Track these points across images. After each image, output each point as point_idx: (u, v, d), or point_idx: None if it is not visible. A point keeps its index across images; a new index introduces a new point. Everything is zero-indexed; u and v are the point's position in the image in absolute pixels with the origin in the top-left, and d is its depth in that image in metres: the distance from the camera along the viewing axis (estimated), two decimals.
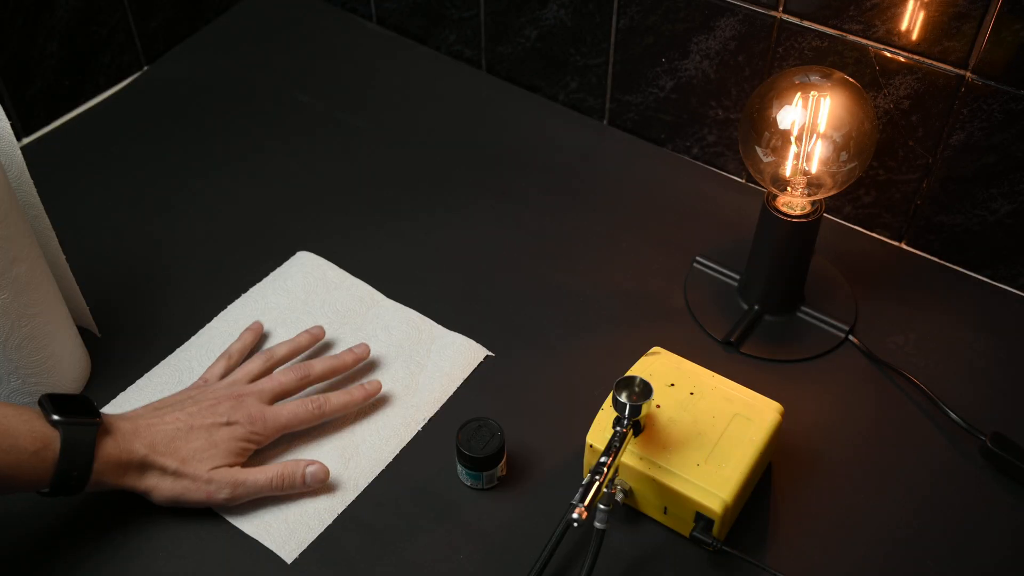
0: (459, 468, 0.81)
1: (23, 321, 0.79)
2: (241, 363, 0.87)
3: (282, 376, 0.84)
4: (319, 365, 0.86)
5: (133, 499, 0.81)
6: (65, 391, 0.85)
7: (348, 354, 0.88)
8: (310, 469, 0.80)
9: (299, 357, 0.89)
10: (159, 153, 1.12)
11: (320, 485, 0.81)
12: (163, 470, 0.76)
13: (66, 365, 0.85)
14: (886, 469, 0.84)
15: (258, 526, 0.79)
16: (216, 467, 0.78)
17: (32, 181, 0.82)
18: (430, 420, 0.87)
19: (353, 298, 0.96)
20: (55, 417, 0.72)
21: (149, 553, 0.78)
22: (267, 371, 0.86)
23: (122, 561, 0.77)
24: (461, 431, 0.81)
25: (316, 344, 0.90)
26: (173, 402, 0.81)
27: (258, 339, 0.91)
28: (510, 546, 0.79)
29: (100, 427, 0.74)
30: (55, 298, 0.84)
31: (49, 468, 0.71)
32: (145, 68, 1.24)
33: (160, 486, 0.77)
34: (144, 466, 0.76)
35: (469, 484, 0.82)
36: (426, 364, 0.90)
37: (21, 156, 0.81)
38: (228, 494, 0.78)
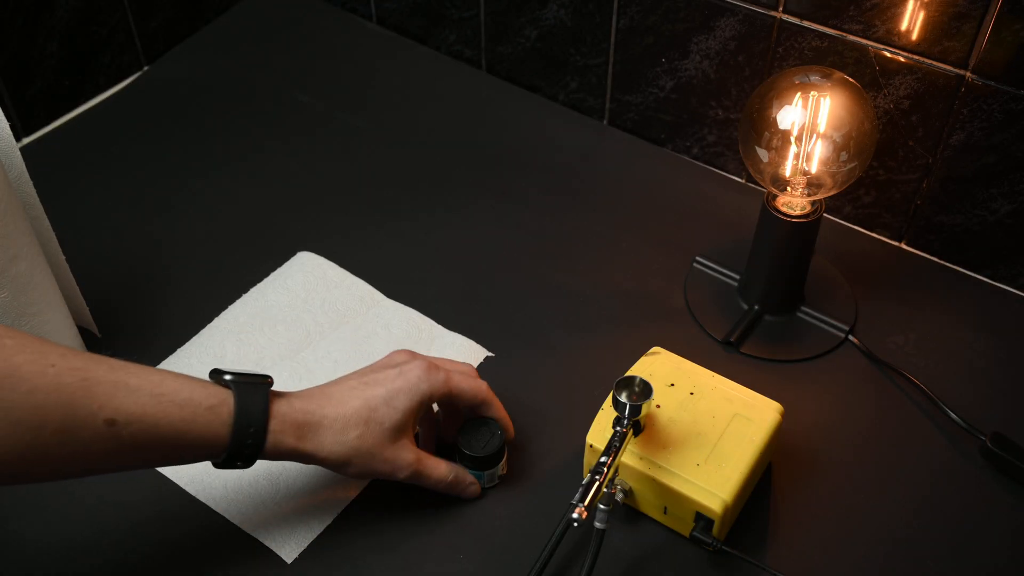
0: None
1: (23, 320, 0.79)
2: None
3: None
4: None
5: (133, 498, 0.81)
6: None
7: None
8: (473, 487, 0.80)
9: None
10: (159, 153, 1.12)
11: (470, 498, 0.81)
12: (343, 431, 0.73)
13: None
14: (886, 469, 0.84)
15: (258, 525, 0.79)
16: (397, 439, 0.75)
17: (31, 181, 0.82)
18: None
19: (353, 297, 0.96)
20: (227, 377, 0.71)
21: (149, 553, 0.78)
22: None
23: (122, 561, 0.77)
24: (461, 430, 0.81)
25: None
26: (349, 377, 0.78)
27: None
28: (510, 546, 0.79)
29: (271, 387, 0.72)
30: (55, 297, 0.84)
31: (226, 424, 0.69)
32: (145, 68, 1.24)
33: (337, 451, 0.73)
34: (321, 426, 0.73)
35: None
36: None
37: (20, 156, 0.81)
38: (408, 474, 0.76)
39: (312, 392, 0.75)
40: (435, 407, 0.83)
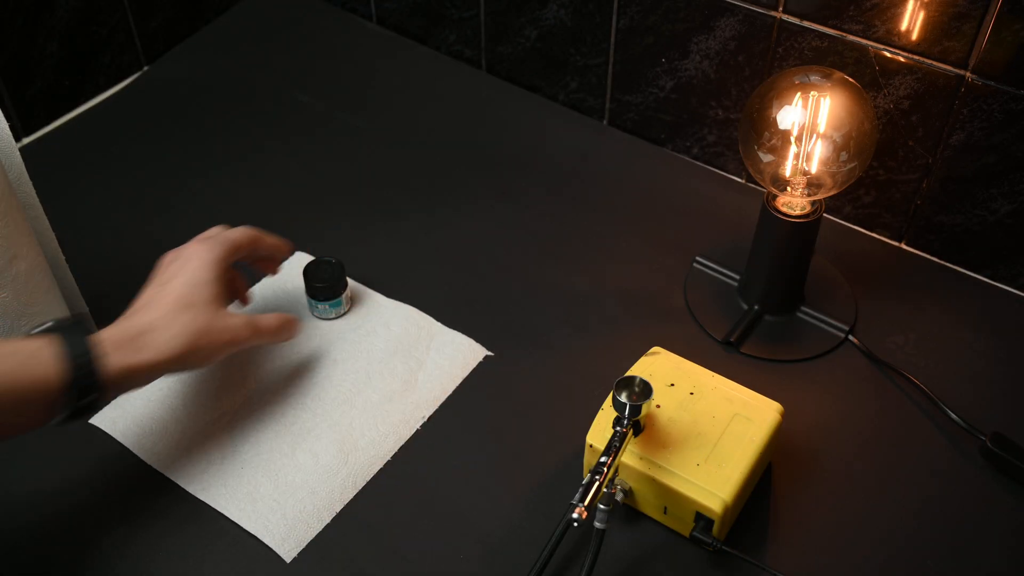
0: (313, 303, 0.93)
1: (23, 320, 0.79)
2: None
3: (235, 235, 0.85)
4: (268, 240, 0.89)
5: (132, 497, 0.81)
6: None
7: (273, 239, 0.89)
8: (297, 323, 0.87)
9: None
10: (159, 153, 1.12)
11: (291, 333, 0.86)
12: (172, 323, 0.76)
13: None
14: (886, 469, 0.84)
15: (257, 523, 0.79)
16: (220, 308, 0.79)
17: (31, 181, 0.82)
18: (429, 419, 0.87)
19: (352, 297, 0.96)
20: (44, 325, 0.73)
21: (149, 553, 0.78)
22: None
23: (122, 561, 0.77)
24: (305, 274, 0.92)
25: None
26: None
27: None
28: (510, 546, 0.79)
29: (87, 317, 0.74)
30: (55, 297, 0.84)
31: (56, 360, 0.69)
32: (145, 68, 1.24)
33: (177, 344, 0.75)
34: (152, 330, 0.75)
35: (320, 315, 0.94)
36: (425, 361, 0.90)
37: (19, 156, 0.81)
38: (248, 333, 0.81)
39: (125, 314, 0.77)
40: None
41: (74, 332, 0.72)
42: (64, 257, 0.86)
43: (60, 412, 0.70)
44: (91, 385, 0.71)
